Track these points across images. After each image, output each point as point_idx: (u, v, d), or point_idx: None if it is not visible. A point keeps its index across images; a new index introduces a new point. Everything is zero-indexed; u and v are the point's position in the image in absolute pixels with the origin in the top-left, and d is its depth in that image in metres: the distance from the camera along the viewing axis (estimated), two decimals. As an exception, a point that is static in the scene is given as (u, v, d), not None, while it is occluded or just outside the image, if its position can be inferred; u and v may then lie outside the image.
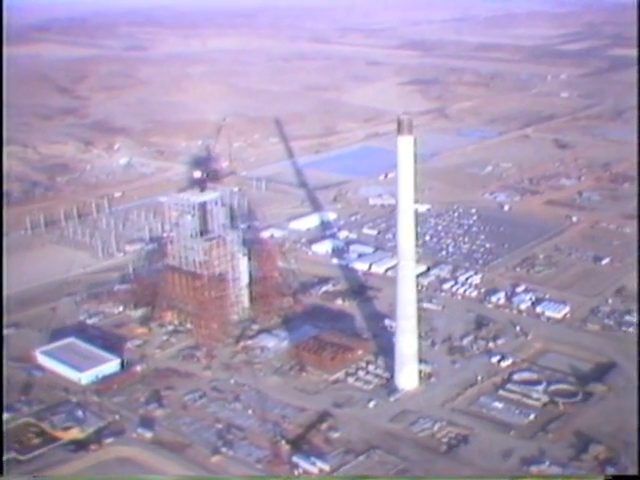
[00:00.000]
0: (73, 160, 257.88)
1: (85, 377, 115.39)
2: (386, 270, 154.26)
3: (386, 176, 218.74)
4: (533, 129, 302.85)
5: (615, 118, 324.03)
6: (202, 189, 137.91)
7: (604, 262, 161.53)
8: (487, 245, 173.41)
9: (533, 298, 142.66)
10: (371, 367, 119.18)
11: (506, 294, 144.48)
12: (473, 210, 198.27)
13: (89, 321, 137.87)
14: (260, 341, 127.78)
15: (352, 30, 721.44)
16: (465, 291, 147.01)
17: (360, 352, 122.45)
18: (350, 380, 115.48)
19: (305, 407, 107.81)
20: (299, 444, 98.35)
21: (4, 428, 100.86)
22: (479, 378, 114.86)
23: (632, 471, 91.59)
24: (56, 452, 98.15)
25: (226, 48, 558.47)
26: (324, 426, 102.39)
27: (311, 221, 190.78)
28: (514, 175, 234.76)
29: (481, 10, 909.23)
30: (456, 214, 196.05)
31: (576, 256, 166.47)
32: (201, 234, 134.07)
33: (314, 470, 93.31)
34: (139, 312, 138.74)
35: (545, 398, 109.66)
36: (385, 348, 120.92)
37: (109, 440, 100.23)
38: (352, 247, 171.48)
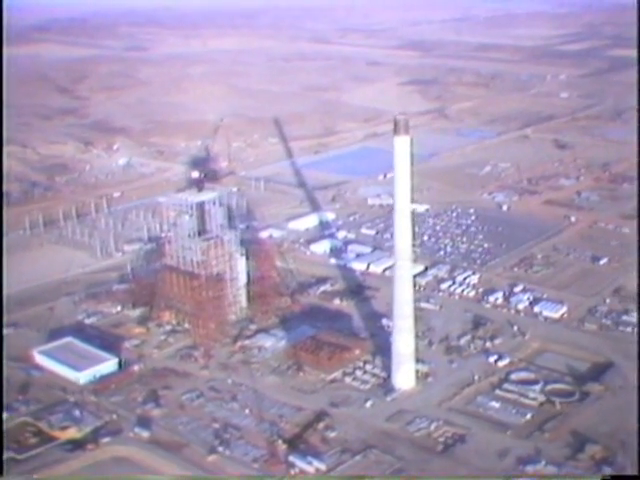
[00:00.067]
0: (72, 160, 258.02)
1: (83, 377, 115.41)
2: (384, 270, 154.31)
3: (385, 176, 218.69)
4: (532, 129, 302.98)
5: (615, 118, 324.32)
6: (200, 189, 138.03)
7: (602, 262, 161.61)
8: (485, 245, 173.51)
9: (531, 298, 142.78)
10: (368, 367, 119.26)
11: (504, 294, 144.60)
12: (471, 210, 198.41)
13: (87, 321, 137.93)
14: (258, 341, 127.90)
15: (352, 30, 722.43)
16: (463, 291, 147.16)
17: (357, 352, 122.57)
18: (347, 380, 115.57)
19: (302, 407, 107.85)
20: (296, 443, 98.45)
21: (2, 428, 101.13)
22: (476, 378, 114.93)
23: (631, 471, 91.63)
24: (53, 451, 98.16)
25: (226, 48, 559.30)
26: (321, 425, 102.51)
27: (310, 221, 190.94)
28: (513, 175, 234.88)
29: (481, 10, 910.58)
30: (454, 214, 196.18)
31: (574, 256, 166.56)
32: (199, 234, 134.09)
33: (310, 469, 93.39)
34: (137, 312, 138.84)
35: (542, 398, 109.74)
36: (382, 348, 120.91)
37: (106, 439, 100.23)
38: (350, 247, 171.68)
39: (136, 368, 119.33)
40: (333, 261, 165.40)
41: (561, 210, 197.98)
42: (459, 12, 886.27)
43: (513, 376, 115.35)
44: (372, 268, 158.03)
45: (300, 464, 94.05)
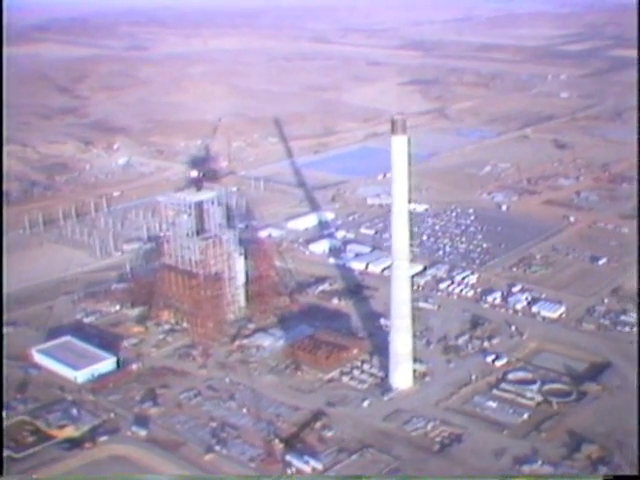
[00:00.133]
0: (72, 159, 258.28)
1: (81, 375, 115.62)
2: (383, 270, 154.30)
3: (384, 176, 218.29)
4: (532, 129, 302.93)
5: (614, 119, 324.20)
6: (198, 188, 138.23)
7: (601, 262, 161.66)
8: (484, 245, 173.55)
9: (529, 298, 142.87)
10: (366, 366, 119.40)
11: (502, 294, 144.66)
12: (471, 210, 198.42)
13: (86, 320, 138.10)
14: (256, 340, 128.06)
15: (353, 30, 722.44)
16: (461, 291, 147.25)
17: (355, 351, 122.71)
18: (345, 379, 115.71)
19: (299, 406, 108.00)
20: (292, 443, 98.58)
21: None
22: (473, 377, 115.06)
23: (630, 471, 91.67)
24: (50, 450, 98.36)
25: (227, 48, 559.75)
26: (318, 425, 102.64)
27: (309, 221, 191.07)
28: (512, 175, 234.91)
29: (483, 10, 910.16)
30: (454, 214, 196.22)
31: (573, 256, 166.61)
32: (197, 233, 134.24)
33: (307, 469, 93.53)
34: (136, 311, 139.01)
35: (539, 397, 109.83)
36: (380, 347, 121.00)
37: (103, 438, 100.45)
38: (349, 247, 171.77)
39: (134, 367, 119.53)
40: (332, 261, 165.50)
41: (560, 210, 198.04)
42: (461, 12, 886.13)
43: (510, 376, 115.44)
44: (371, 268, 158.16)
45: (297, 463, 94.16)
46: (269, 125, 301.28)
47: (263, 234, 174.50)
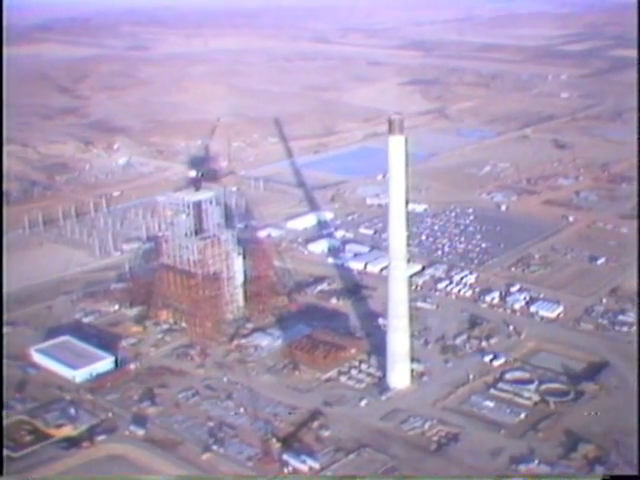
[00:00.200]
0: (72, 159, 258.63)
1: (79, 375, 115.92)
2: (381, 269, 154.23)
3: (384, 176, 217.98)
4: (532, 129, 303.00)
5: (615, 119, 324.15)
6: (197, 188, 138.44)
7: (599, 262, 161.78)
8: (483, 245, 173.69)
9: (527, 298, 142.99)
10: (364, 366, 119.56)
11: (500, 294, 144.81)
12: (470, 210, 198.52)
13: (85, 319, 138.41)
14: (254, 340, 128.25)
15: (354, 30, 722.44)
16: (460, 290, 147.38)
17: (353, 351, 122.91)
18: (342, 379, 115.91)
19: (297, 405, 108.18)
20: (290, 442, 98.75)
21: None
22: (471, 377, 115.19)
23: (630, 471, 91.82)
24: (48, 449, 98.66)
25: (227, 48, 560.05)
26: (315, 424, 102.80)
27: (308, 220, 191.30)
28: (512, 175, 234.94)
29: (484, 11, 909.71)
30: (453, 214, 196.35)
31: (572, 256, 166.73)
32: (196, 233, 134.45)
33: (304, 468, 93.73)
34: (135, 311, 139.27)
35: (536, 397, 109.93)
36: (378, 347, 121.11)
37: (101, 437, 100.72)
38: (348, 246, 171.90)
39: (132, 366, 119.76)
40: (331, 260, 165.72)
41: (559, 210, 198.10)
42: (462, 12, 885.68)
43: (508, 375, 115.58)
44: (369, 267, 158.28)
45: (294, 463, 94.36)
46: (269, 125, 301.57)
47: (262, 234, 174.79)
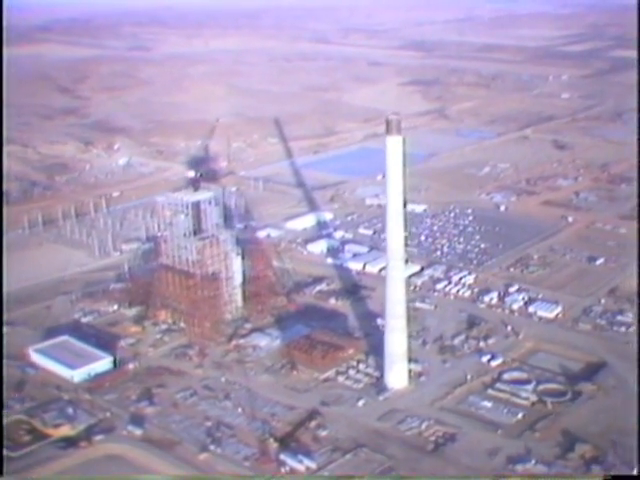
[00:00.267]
0: (72, 160, 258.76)
1: (77, 375, 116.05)
2: (380, 270, 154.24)
3: (383, 176, 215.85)
4: (532, 130, 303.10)
5: (615, 119, 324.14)
6: (196, 188, 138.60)
7: (598, 262, 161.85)
8: (482, 245, 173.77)
9: (526, 298, 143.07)
10: (362, 366, 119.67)
11: (499, 294, 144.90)
12: (469, 210, 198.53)
13: (84, 319, 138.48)
14: (252, 340, 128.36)
15: (354, 30, 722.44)
16: (458, 291, 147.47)
17: (351, 351, 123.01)
18: (340, 379, 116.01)
19: (295, 405, 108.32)
20: (287, 442, 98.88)
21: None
22: (469, 377, 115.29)
23: (630, 471, 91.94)
24: (46, 449, 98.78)
25: (228, 48, 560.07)
26: (312, 424, 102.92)
27: (307, 221, 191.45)
28: (511, 176, 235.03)
29: (484, 11, 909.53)
30: (452, 214, 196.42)
31: (570, 256, 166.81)
32: (195, 233, 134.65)
33: (301, 468, 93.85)
34: (133, 311, 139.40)
35: (534, 397, 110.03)
36: (376, 347, 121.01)
37: (99, 437, 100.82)
38: (347, 247, 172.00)
39: (131, 366, 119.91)
40: (330, 261, 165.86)
41: (559, 210, 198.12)
42: (462, 13, 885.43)
43: (505, 376, 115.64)
44: (368, 268, 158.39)
45: (291, 462, 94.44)
46: (269, 125, 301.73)
47: (262, 234, 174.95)
